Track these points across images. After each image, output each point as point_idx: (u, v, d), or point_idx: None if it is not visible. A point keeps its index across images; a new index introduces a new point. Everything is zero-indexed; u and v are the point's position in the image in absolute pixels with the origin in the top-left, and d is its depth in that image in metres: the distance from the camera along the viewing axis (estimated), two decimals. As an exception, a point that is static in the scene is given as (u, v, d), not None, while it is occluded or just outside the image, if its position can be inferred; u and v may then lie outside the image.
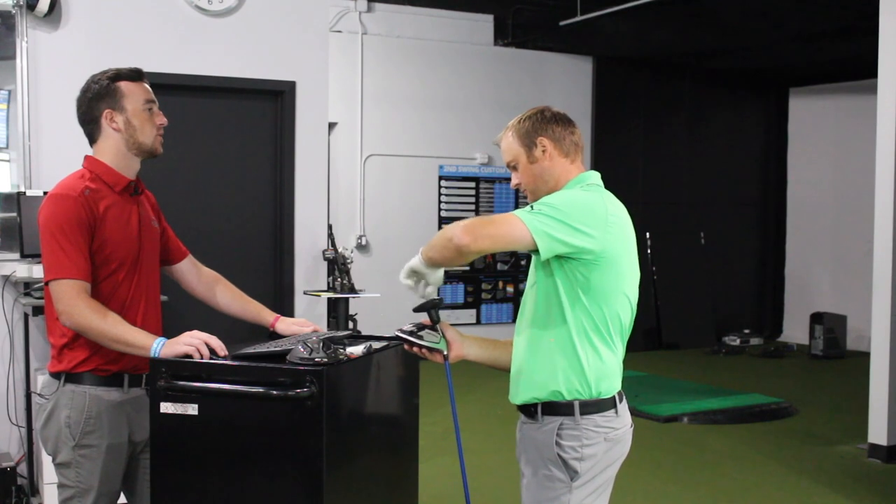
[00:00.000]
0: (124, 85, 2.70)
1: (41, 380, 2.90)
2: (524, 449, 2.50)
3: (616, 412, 2.42)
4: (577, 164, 2.52)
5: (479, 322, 9.65)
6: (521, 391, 2.47)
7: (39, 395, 2.76)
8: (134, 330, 2.57)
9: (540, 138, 2.47)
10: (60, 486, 2.69)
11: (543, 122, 2.49)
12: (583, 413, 2.37)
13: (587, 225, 2.29)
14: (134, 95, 2.70)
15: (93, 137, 2.74)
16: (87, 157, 2.74)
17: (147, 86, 2.76)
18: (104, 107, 2.69)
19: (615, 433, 2.41)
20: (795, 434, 6.57)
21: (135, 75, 2.73)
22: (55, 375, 2.70)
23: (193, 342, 2.47)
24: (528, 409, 2.46)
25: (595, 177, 2.52)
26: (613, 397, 2.42)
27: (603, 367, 2.39)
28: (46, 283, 2.61)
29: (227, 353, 2.49)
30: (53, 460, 2.71)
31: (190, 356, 2.45)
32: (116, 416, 2.69)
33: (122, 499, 2.83)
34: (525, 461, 2.49)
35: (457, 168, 9.64)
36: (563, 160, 2.49)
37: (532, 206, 2.31)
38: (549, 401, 2.40)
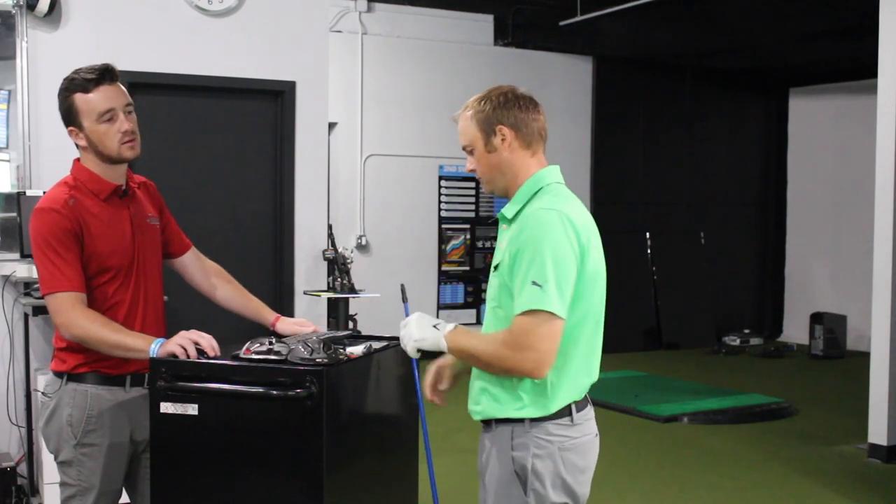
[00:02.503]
0: (78, 99, 2.61)
1: (43, 378, 2.91)
2: (482, 460, 2.41)
3: (571, 420, 2.31)
4: (539, 156, 2.37)
5: (478, 322, 9.65)
6: (477, 410, 2.39)
7: (43, 393, 2.77)
8: (132, 334, 2.58)
9: (500, 126, 2.31)
10: (62, 484, 2.70)
11: (505, 108, 2.31)
12: (533, 420, 2.27)
13: (572, 265, 2.22)
14: (87, 110, 2.60)
15: (76, 144, 2.72)
16: (75, 162, 2.72)
17: (106, 89, 2.61)
18: (67, 124, 2.66)
19: (571, 442, 2.30)
20: (795, 434, 6.57)
21: (89, 83, 2.60)
22: (58, 374, 2.70)
23: (181, 342, 2.47)
24: (486, 421, 2.39)
25: (554, 174, 2.38)
26: (569, 406, 2.30)
27: (560, 386, 2.28)
28: (43, 297, 2.62)
29: (218, 352, 2.49)
30: (55, 459, 2.71)
31: (176, 355, 2.45)
32: (118, 416, 2.69)
33: (125, 498, 2.83)
34: (482, 473, 2.40)
35: (457, 168, 9.63)
36: (524, 153, 2.34)
37: (531, 282, 2.17)
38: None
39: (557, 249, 2.20)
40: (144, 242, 2.77)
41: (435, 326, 2.32)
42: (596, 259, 2.32)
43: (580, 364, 2.32)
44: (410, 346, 2.33)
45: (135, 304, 2.71)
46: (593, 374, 2.38)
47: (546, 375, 2.22)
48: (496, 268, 2.33)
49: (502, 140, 2.32)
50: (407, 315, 2.44)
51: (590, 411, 2.40)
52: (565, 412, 2.30)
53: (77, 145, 2.70)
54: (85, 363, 2.65)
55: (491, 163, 2.35)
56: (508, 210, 2.36)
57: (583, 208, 2.36)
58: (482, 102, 2.34)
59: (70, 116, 2.65)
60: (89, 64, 2.69)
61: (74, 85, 2.62)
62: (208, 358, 2.46)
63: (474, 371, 2.40)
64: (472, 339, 2.30)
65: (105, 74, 2.64)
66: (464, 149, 2.40)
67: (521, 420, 2.28)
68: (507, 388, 2.30)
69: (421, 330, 2.32)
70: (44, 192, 2.80)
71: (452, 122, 2.44)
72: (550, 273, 2.17)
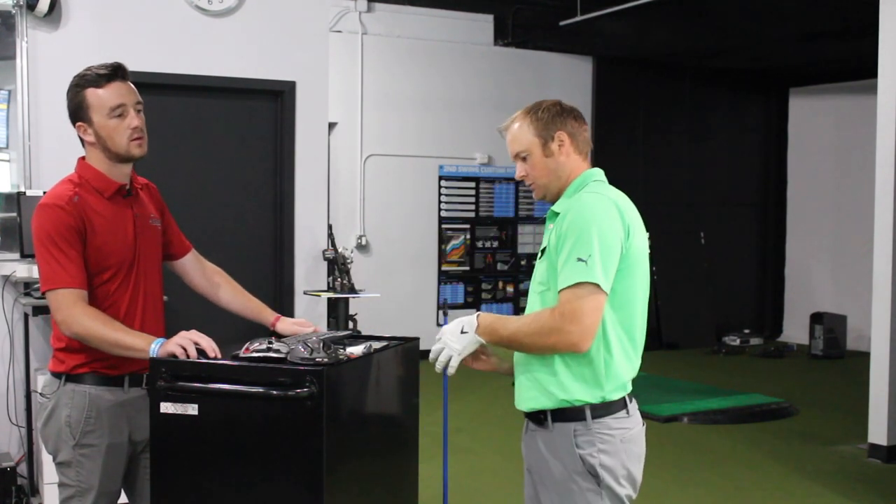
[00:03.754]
0: (90, 94, 2.62)
1: (42, 379, 2.91)
2: (535, 459, 2.43)
3: (627, 412, 2.39)
4: (588, 162, 2.50)
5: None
6: (528, 398, 2.41)
7: (41, 394, 2.77)
8: (133, 333, 2.57)
9: (559, 132, 2.42)
10: (61, 485, 2.70)
11: (562, 116, 2.44)
12: (594, 417, 2.33)
13: (616, 242, 2.31)
14: (98, 105, 2.61)
15: (81, 143, 2.73)
16: (79, 161, 2.72)
17: (118, 86, 2.63)
18: (76, 120, 2.67)
19: (630, 433, 2.39)
20: (795, 434, 6.57)
21: (101, 79, 2.62)
22: (56, 375, 2.70)
23: (181, 342, 2.47)
24: (537, 417, 2.40)
25: (600, 173, 2.49)
26: (623, 398, 2.38)
27: (612, 369, 2.34)
28: (44, 294, 2.61)
29: (218, 353, 2.48)
30: (54, 459, 2.71)
31: (176, 356, 2.45)
32: (116, 416, 2.69)
33: (124, 498, 2.83)
34: (539, 473, 2.42)
35: (457, 168, 9.63)
36: (577, 157, 2.45)
37: (576, 259, 2.23)
38: (558, 408, 2.34)
39: (602, 227, 2.29)
40: (146, 242, 2.77)
41: (462, 331, 2.37)
42: (640, 243, 2.42)
43: (628, 346, 2.40)
44: (455, 360, 2.37)
45: (134, 304, 2.71)
46: (639, 356, 2.46)
47: (588, 349, 2.27)
48: (543, 251, 2.41)
49: (560, 145, 2.43)
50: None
51: (636, 404, 2.47)
52: (620, 405, 2.38)
53: (84, 142, 2.70)
54: (83, 364, 2.65)
55: (548, 167, 2.44)
56: (559, 205, 2.44)
57: (627, 199, 2.45)
58: (539, 111, 2.44)
59: (80, 111, 2.65)
60: (90, 64, 2.69)
61: (86, 80, 2.64)
62: (208, 358, 2.46)
63: (520, 366, 2.44)
64: (510, 323, 2.36)
65: (117, 71, 2.66)
66: (516, 156, 2.48)
67: (582, 418, 2.32)
68: (563, 373, 2.33)
69: (459, 341, 2.37)
70: (44, 192, 2.79)
71: (497, 133, 2.54)
72: (596, 249, 2.25)
